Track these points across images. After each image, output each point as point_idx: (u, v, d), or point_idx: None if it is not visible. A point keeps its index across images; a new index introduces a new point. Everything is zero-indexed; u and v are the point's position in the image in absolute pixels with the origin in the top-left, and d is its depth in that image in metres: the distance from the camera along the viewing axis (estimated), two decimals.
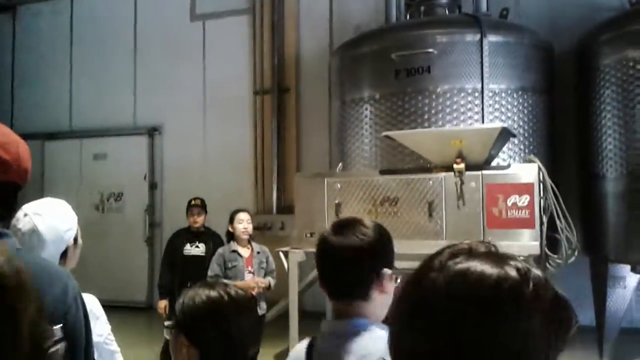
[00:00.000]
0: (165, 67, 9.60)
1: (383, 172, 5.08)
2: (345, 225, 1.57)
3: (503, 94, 5.90)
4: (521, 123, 5.97)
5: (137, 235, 9.40)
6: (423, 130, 5.52)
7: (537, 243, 4.49)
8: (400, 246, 4.66)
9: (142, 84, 9.84)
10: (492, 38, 5.86)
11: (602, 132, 6.00)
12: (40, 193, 10.03)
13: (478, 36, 5.84)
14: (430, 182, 4.82)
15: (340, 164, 5.90)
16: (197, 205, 5.73)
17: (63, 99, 10.30)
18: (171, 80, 9.53)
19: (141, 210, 9.46)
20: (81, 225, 2.29)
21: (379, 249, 1.55)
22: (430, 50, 5.84)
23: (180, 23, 9.62)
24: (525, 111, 6.00)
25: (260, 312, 4.96)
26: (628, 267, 5.70)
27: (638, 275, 5.66)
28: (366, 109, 6.26)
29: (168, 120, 9.63)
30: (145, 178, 9.56)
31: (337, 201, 5.10)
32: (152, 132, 9.70)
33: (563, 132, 6.65)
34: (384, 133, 5.08)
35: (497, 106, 5.88)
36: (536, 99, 6.12)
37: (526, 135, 5.97)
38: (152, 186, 9.58)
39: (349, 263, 1.51)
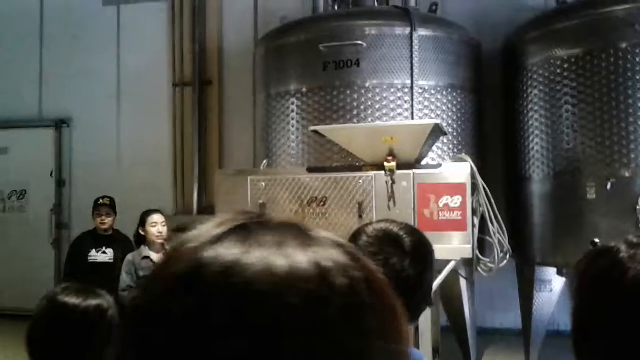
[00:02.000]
0: (75, 54, 8.85)
1: (311, 170, 4.77)
2: None
3: (432, 91, 5.75)
4: (450, 122, 5.83)
5: (42, 236, 8.60)
6: (352, 125, 5.25)
7: (469, 246, 4.32)
8: None
9: (49, 72, 9.03)
10: (422, 32, 5.69)
11: (529, 133, 5.97)
12: None
13: (408, 30, 5.65)
14: (361, 181, 4.55)
15: (265, 161, 5.54)
16: (106, 205, 5.20)
17: None
18: (82, 69, 8.79)
19: (47, 210, 8.67)
20: None
21: None
22: (359, 42, 5.58)
23: (92, 7, 8.90)
24: (455, 109, 5.88)
25: None
26: (554, 270, 5.69)
27: (564, 279, 5.65)
28: (292, 103, 5.93)
29: (78, 112, 8.89)
30: (51, 175, 8.78)
31: (261, 201, 4.74)
32: (60, 124, 8.92)
33: (490, 133, 6.60)
34: (312, 128, 4.77)
35: (426, 103, 5.71)
36: (465, 97, 6.01)
37: (455, 134, 5.85)
38: (60, 183, 8.82)
39: None
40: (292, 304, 0.49)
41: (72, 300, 1.56)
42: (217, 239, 0.55)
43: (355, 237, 1.47)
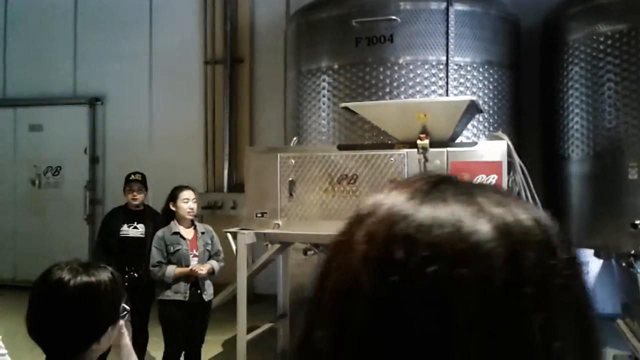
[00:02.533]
0: (109, 33, 8.90)
1: (341, 147, 4.68)
2: None
3: (468, 67, 5.58)
4: (486, 99, 5.67)
5: (76, 212, 8.76)
6: (385, 102, 5.14)
7: None
8: None
9: (84, 50, 9.12)
10: (458, 7, 5.51)
11: (569, 111, 5.77)
12: None
13: (444, 4, 5.47)
14: (392, 159, 4.44)
15: (294, 138, 5.48)
16: (137, 181, 5.21)
17: None
18: (115, 48, 8.84)
19: (81, 186, 8.81)
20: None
21: None
22: (393, 17, 5.44)
23: None
24: (491, 86, 5.70)
25: (206, 297, 4.53)
26: (591, 252, 5.52)
27: (601, 261, 5.48)
28: (324, 80, 5.84)
29: (111, 90, 8.97)
30: (85, 151, 8.90)
31: (290, 178, 4.68)
32: (94, 102, 9.01)
33: (527, 111, 6.39)
34: (342, 104, 4.67)
35: (462, 80, 5.55)
36: (502, 74, 5.82)
37: (491, 112, 5.68)
38: (93, 160, 8.94)
39: None
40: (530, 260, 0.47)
41: (64, 275, 1.49)
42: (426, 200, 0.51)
43: None
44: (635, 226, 5.02)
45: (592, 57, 5.49)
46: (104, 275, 1.55)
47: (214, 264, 4.53)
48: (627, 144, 5.23)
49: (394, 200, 0.52)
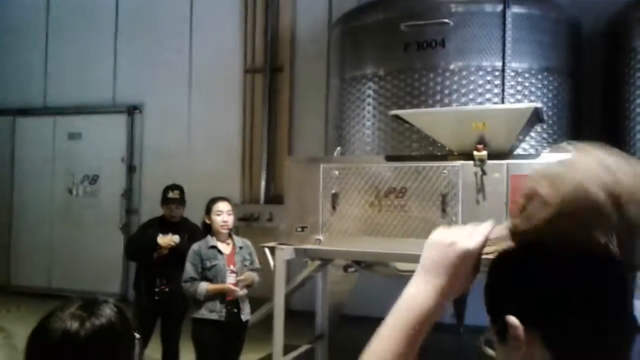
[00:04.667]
0: (148, 42, 8.81)
1: (389, 158, 4.34)
2: None
3: (526, 74, 5.18)
4: (545, 108, 5.23)
5: (112, 221, 8.63)
6: (439, 109, 4.78)
7: None
8: (408, 246, 3.90)
9: (123, 59, 9.04)
10: (515, 9, 5.12)
11: (635, 122, 5.31)
12: (9, 172, 9.30)
13: (500, 7, 5.10)
14: (445, 171, 4.08)
15: (338, 149, 5.16)
16: (176, 199, 4.99)
17: (37, 73, 9.47)
18: (154, 57, 8.75)
19: (117, 195, 8.69)
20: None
21: None
22: (446, 20, 5.09)
23: None
24: (550, 95, 5.28)
25: (244, 317, 4.23)
26: None
27: None
28: (369, 88, 5.51)
29: (150, 99, 8.85)
30: (122, 160, 8.79)
31: (334, 191, 4.36)
32: (132, 110, 8.91)
33: (589, 120, 5.93)
34: (392, 112, 4.34)
35: (519, 88, 5.15)
36: (562, 81, 5.40)
37: (550, 122, 5.25)
38: (130, 169, 8.81)
39: None
40: None
41: (68, 325, 1.25)
42: None
43: None
44: None
45: None
46: (110, 311, 1.30)
47: (253, 275, 4.24)
48: None
49: None
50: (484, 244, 0.99)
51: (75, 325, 1.25)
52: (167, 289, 4.81)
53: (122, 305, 1.39)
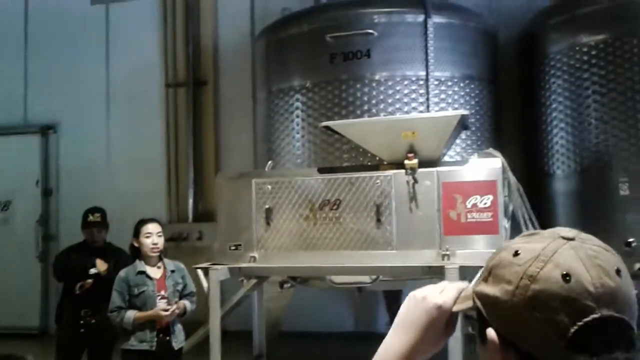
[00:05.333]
0: (62, 56, 8.36)
1: (322, 170, 4.29)
2: None
3: (449, 83, 5.30)
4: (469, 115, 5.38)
5: (28, 250, 8.06)
6: (369, 119, 4.79)
7: None
8: (344, 258, 3.86)
9: (35, 75, 8.53)
10: (436, 19, 5.24)
11: (552, 126, 5.54)
12: None
13: (422, 17, 5.20)
14: (378, 181, 4.08)
15: (269, 162, 5.07)
16: (97, 223, 4.72)
17: None
18: (69, 72, 8.30)
19: (33, 221, 8.14)
20: None
21: None
22: (370, 31, 5.13)
23: (80, 7, 8.40)
24: (473, 102, 5.43)
25: (176, 345, 4.03)
26: None
27: None
28: (297, 100, 5.47)
29: (65, 117, 8.38)
30: (37, 184, 8.26)
31: (267, 206, 4.26)
32: (46, 130, 8.40)
33: (508, 126, 6.15)
34: (323, 123, 4.30)
35: (443, 96, 5.26)
36: (483, 88, 5.57)
37: (473, 128, 5.39)
38: (46, 193, 8.29)
39: None
40: None
41: None
42: None
43: None
44: (629, 244, 4.77)
45: (575, 69, 5.29)
46: None
47: (185, 303, 4.04)
48: (616, 158, 5.00)
49: None
50: (455, 300, 0.99)
51: None
52: (92, 320, 4.53)
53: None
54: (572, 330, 0.80)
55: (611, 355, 0.81)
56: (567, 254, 0.85)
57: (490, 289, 0.89)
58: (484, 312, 0.91)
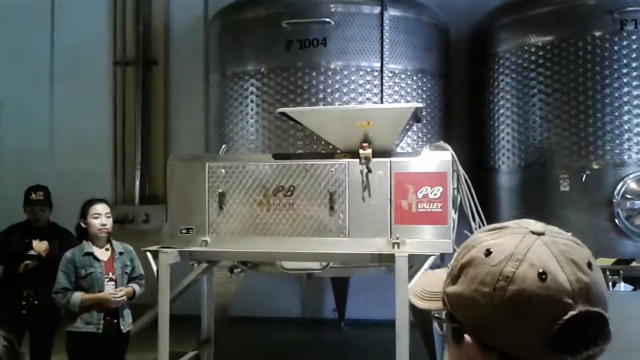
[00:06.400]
0: (3, 30, 7.98)
1: (277, 156, 4.30)
2: None
3: (402, 75, 5.39)
4: None
5: None
6: (325, 107, 4.83)
7: (450, 241, 3.98)
8: (296, 244, 3.90)
9: None
10: (392, 12, 5.32)
11: (498, 122, 5.74)
12: None
13: (378, 9, 5.26)
14: (333, 169, 4.13)
15: (223, 146, 5.03)
16: (40, 201, 4.57)
17: None
18: (11, 47, 7.94)
19: None
20: None
21: None
22: (327, 19, 5.15)
23: None
24: (424, 95, 5.55)
25: (124, 328, 3.97)
26: None
27: None
28: (251, 85, 5.44)
29: (7, 94, 8.02)
30: None
31: (220, 190, 4.24)
32: None
33: (456, 121, 6.32)
34: (279, 110, 4.31)
35: (396, 88, 5.35)
36: (434, 83, 5.69)
37: (424, 121, 5.51)
38: None
39: None
40: None
41: None
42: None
43: None
44: None
45: (522, 68, 5.49)
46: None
47: (134, 287, 3.98)
48: (558, 155, 5.23)
49: None
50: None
51: None
52: (35, 302, 4.39)
53: (11, 336, 1.21)
54: (555, 329, 0.80)
55: (590, 350, 0.81)
56: (541, 251, 0.84)
57: (463, 290, 0.87)
58: (457, 314, 0.89)
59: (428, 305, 0.96)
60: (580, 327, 0.81)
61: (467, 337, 0.87)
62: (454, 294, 0.89)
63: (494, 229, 0.92)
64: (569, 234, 0.90)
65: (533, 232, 0.87)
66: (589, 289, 0.83)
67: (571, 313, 0.80)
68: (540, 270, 0.82)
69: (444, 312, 0.93)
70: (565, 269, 0.83)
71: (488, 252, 0.86)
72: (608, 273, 4.75)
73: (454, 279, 0.90)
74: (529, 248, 0.84)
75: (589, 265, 0.85)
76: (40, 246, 4.43)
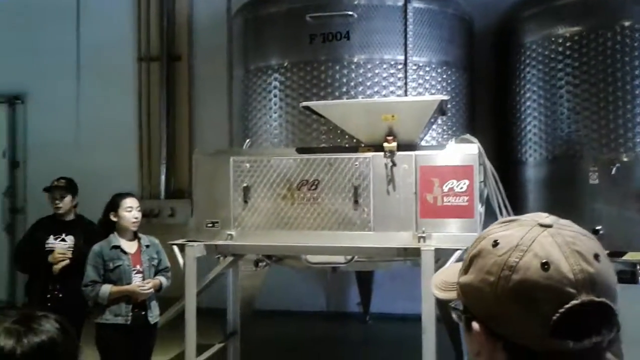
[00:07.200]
0: (31, 25, 8.12)
1: (301, 150, 4.31)
2: None
3: (427, 68, 5.34)
4: None
5: None
6: (349, 101, 4.80)
7: (476, 234, 3.93)
8: (321, 238, 3.90)
9: (2, 44, 8.27)
10: (416, 4, 5.26)
11: (525, 114, 5.65)
12: None
13: (402, 1, 5.21)
14: (357, 163, 4.12)
15: (248, 141, 5.05)
16: (60, 187, 4.61)
17: None
18: (38, 42, 8.08)
19: None
20: None
21: None
22: (350, 13, 5.12)
23: None
24: (449, 88, 5.48)
25: (152, 319, 4.03)
26: None
27: None
28: (275, 79, 5.43)
29: (34, 88, 8.18)
30: (4, 155, 8.06)
31: (245, 184, 4.26)
32: (14, 100, 8.20)
33: (481, 113, 6.25)
34: (303, 104, 4.31)
35: (420, 81, 5.29)
36: (459, 75, 5.62)
37: (449, 114, 5.46)
38: (13, 165, 8.11)
39: None
40: None
41: (2, 342, 1.09)
42: None
43: None
44: (596, 232, 4.93)
45: (549, 60, 5.39)
46: (51, 327, 1.15)
47: (161, 279, 4.03)
48: (586, 148, 5.14)
49: None
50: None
51: (10, 342, 1.09)
52: (60, 295, 4.45)
53: (65, 321, 1.23)
54: (554, 318, 0.81)
55: (593, 338, 0.82)
56: (545, 242, 0.85)
57: (472, 280, 0.89)
58: (468, 303, 0.91)
59: (446, 296, 0.98)
60: (582, 316, 0.81)
61: (476, 325, 0.89)
62: (465, 284, 0.92)
63: (505, 221, 0.94)
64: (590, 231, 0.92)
65: (541, 225, 0.88)
66: (594, 279, 0.83)
67: (573, 302, 0.81)
68: (544, 260, 0.84)
69: (460, 303, 0.95)
70: (570, 260, 0.84)
71: (495, 243, 0.89)
72: (638, 267, 4.66)
73: (465, 269, 0.93)
74: (535, 239, 0.87)
75: (596, 256, 0.86)
76: (55, 256, 4.45)
